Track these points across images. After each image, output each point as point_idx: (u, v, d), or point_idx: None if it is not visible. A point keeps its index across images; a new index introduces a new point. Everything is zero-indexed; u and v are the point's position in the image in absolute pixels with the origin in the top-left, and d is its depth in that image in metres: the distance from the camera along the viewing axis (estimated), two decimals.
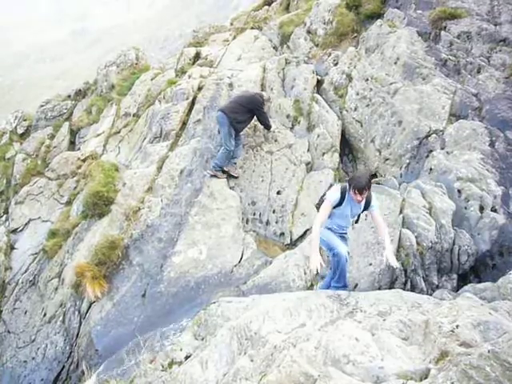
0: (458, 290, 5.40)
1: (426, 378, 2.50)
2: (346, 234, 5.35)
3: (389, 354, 2.85)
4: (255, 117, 8.40)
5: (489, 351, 2.28)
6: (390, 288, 5.52)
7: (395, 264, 4.69)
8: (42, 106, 13.52)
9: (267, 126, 8.53)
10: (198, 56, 12.55)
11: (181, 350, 4.55)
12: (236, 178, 8.31)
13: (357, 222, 5.72)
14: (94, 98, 13.04)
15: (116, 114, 11.68)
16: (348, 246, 5.33)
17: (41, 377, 7.33)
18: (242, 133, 8.40)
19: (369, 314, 3.94)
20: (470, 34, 8.23)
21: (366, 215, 5.93)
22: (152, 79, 11.84)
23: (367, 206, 5.01)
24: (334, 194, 4.95)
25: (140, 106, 11.24)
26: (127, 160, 10.08)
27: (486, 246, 5.70)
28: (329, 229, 5.16)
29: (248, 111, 8.18)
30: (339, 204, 4.94)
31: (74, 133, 12.33)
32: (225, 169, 8.29)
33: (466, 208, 6.02)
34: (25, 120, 13.85)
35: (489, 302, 3.55)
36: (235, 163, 8.39)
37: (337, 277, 5.18)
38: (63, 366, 7.27)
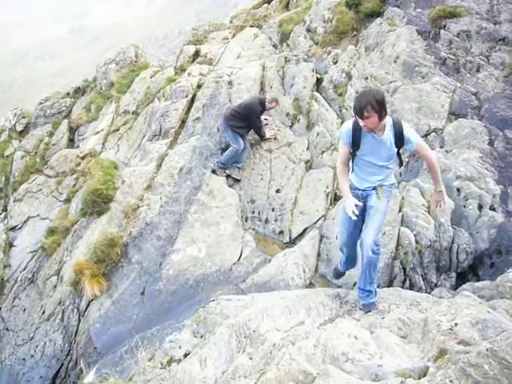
0: (456, 289, 5.41)
1: (424, 375, 2.51)
2: (377, 193, 4.16)
3: (387, 352, 2.86)
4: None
5: (487, 349, 2.28)
6: (388, 286, 5.53)
7: (447, 201, 4.33)
8: (41, 103, 13.49)
9: (259, 136, 8.44)
10: (197, 54, 12.53)
11: (180, 347, 4.56)
12: (238, 180, 8.27)
13: (401, 165, 4.45)
14: (93, 96, 13.01)
15: (115, 111, 11.66)
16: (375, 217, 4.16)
17: (39, 374, 7.33)
18: (247, 138, 8.38)
19: (367, 312, 3.95)
20: (469, 32, 8.24)
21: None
22: (151, 77, 11.82)
23: (401, 142, 3.89)
24: (343, 127, 4.08)
25: (139, 104, 11.22)
26: (126, 158, 10.07)
27: (484, 244, 5.71)
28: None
29: (244, 119, 8.13)
30: (356, 142, 3.94)
31: (73, 130, 12.30)
32: (227, 172, 8.27)
33: (464, 206, 6.03)
34: (24, 117, 13.82)
35: (487, 301, 3.56)
36: (238, 168, 8.33)
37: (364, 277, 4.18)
38: (62, 364, 7.27)
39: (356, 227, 4.25)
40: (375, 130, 3.82)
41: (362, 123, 3.75)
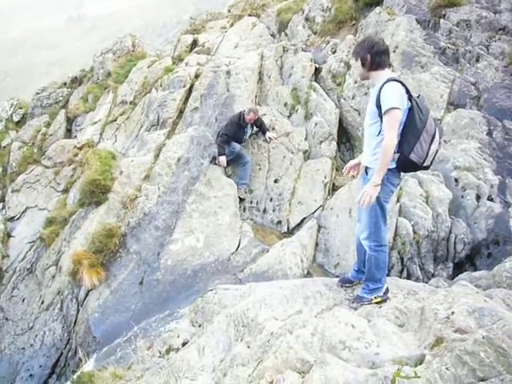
0: (453, 279, 5.43)
1: (421, 363, 2.53)
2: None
3: (384, 340, 2.88)
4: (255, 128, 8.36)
5: (483, 337, 2.30)
6: (386, 276, 5.55)
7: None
8: (38, 93, 13.42)
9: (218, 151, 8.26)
10: (195, 43, 12.46)
11: (178, 336, 4.58)
12: (242, 199, 8.07)
13: None
14: (91, 86, 12.94)
15: (113, 101, 11.60)
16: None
17: (39, 363, 7.37)
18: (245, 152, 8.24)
19: (353, 303, 3.97)
20: (469, 22, 8.18)
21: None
22: (149, 67, 11.75)
23: (378, 102, 3.54)
24: (396, 89, 3.47)
25: (137, 94, 11.16)
26: (124, 148, 10.04)
27: (482, 234, 5.72)
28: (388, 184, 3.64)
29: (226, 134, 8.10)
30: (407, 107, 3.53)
31: (70, 120, 12.24)
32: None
33: (462, 197, 6.04)
34: (20, 108, 13.75)
35: (484, 290, 3.58)
36: (244, 185, 8.11)
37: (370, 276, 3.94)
38: (61, 353, 7.31)
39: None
40: (366, 80, 3.77)
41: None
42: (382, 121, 3.54)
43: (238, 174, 8.26)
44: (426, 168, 3.70)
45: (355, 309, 3.82)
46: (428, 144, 3.52)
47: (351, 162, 4.33)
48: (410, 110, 3.52)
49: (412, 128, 3.50)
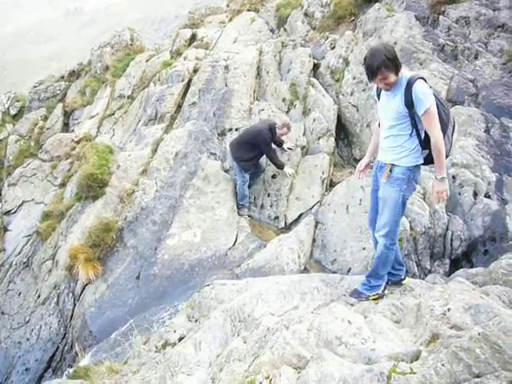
0: (450, 275, 5.44)
1: (416, 359, 2.53)
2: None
3: (381, 336, 2.88)
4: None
5: (479, 334, 2.30)
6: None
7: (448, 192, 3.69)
8: (35, 86, 13.38)
9: (276, 165, 7.57)
10: (193, 38, 12.42)
11: (174, 331, 4.58)
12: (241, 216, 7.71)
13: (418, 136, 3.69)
14: (88, 80, 12.90)
15: (110, 95, 11.57)
16: None
17: (35, 357, 7.36)
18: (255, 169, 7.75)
19: (350, 296, 3.98)
20: (468, 19, 8.17)
21: None
22: (147, 61, 11.72)
23: (410, 100, 3.47)
24: (427, 86, 3.47)
25: (135, 88, 11.13)
26: (122, 142, 10.02)
27: (478, 231, 5.73)
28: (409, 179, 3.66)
29: (252, 148, 7.40)
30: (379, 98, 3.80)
31: (67, 114, 12.23)
32: (246, 212, 7.76)
33: (459, 194, 6.04)
34: (18, 101, 13.71)
35: (480, 287, 3.59)
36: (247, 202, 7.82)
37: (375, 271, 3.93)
38: (57, 347, 7.30)
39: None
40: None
41: (379, 85, 3.57)
42: (411, 119, 3.51)
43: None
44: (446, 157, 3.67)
45: (352, 305, 3.82)
46: (451, 136, 3.60)
47: (361, 166, 4.29)
48: (437, 105, 3.47)
49: (440, 123, 3.46)
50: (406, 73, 3.55)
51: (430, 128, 3.43)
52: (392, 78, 3.47)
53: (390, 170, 3.70)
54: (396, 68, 3.45)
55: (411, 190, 3.75)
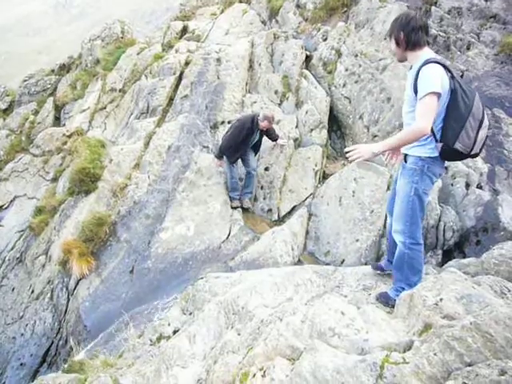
0: (442, 266, 5.48)
1: (409, 349, 2.55)
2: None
3: (374, 326, 2.90)
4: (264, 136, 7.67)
5: (471, 323, 2.32)
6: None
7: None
8: (25, 80, 13.22)
9: (216, 154, 7.75)
10: (185, 30, 12.34)
11: (169, 324, 4.59)
12: (247, 209, 7.68)
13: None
14: (79, 73, 12.76)
15: (101, 89, 11.46)
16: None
17: (30, 352, 7.35)
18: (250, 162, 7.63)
19: (355, 289, 3.99)
20: (460, 9, 8.17)
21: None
22: (138, 53, 11.61)
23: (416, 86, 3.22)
24: (436, 71, 3.12)
25: (126, 81, 11.04)
26: (114, 136, 9.96)
27: (470, 222, 5.78)
28: (430, 174, 3.38)
29: (231, 135, 7.37)
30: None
31: (58, 108, 12.10)
32: (238, 204, 7.65)
33: (452, 185, 6.07)
34: (8, 95, 13.55)
35: (472, 277, 3.61)
36: (249, 194, 7.73)
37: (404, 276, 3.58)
38: (52, 342, 7.29)
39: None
40: (404, 61, 3.40)
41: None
42: None
43: (242, 182, 7.80)
44: (475, 156, 3.35)
45: (345, 296, 3.84)
46: (475, 130, 3.16)
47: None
48: (453, 92, 3.16)
49: (456, 114, 3.16)
50: (427, 54, 3.25)
51: (418, 113, 3.11)
52: (393, 46, 3.37)
53: (405, 161, 3.50)
54: (406, 42, 3.26)
55: (427, 184, 3.40)
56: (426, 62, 3.15)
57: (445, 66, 3.19)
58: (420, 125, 3.07)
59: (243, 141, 7.31)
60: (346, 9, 9.99)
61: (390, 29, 3.36)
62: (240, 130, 7.26)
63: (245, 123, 7.27)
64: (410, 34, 3.23)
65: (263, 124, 7.30)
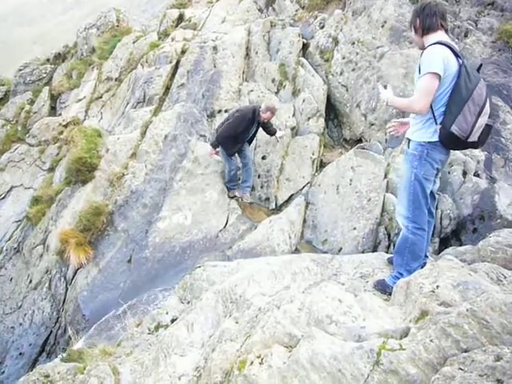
0: (439, 253, 5.50)
1: (406, 336, 2.57)
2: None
3: (371, 314, 2.91)
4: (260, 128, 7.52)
5: (467, 310, 2.33)
6: (373, 251, 5.61)
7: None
8: (20, 70, 13.13)
9: (212, 143, 7.53)
10: (181, 18, 12.24)
11: (167, 313, 4.60)
12: (250, 203, 7.60)
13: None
14: (75, 62, 12.68)
15: (97, 78, 11.40)
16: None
17: (29, 342, 7.38)
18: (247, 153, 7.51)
19: (352, 276, 4.00)
20: None
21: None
22: (134, 42, 11.53)
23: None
24: (438, 52, 3.15)
25: (122, 70, 10.97)
26: (110, 125, 9.91)
27: (467, 210, 5.79)
28: (428, 161, 3.40)
29: (234, 128, 7.16)
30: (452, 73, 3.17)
31: (54, 98, 12.04)
32: (236, 194, 7.62)
33: (449, 173, 6.07)
34: (3, 85, 13.49)
35: (469, 264, 3.62)
36: (248, 188, 7.63)
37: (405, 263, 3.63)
38: (51, 331, 7.32)
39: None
40: (423, 48, 3.35)
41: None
42: None
43: (240, 175, 7.68)
44: (475, 145, 3.30)
45: (343, 284, 3.85)
46: (475, 116, 3.10)
47: (401, 119, 4.07)
48: (459, 76, 3.14)
49: (456, 97, 3.13)
50: (438, 37, 3.27)
51: (416, 90, 3.22)
52: (412, 33, 3.45)
53: (408, 146, 3.55)
54: (421, 27, 3.31)
55: (427, 170, 3.40)
56: (429, 44, 3.19)
57: (452, 49, 3.17)
58: (414, 99, 3.22)
59: (242, 132, 7.19)
60: None
61: (410, 18, 3.46)
62: (241, 120, 7.10)
63: (246, 114, 7.10)
64: (424, 20, 3.29)
65: (265, 115, 7.15)
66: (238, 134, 7.17)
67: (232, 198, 7.58)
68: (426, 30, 3.30)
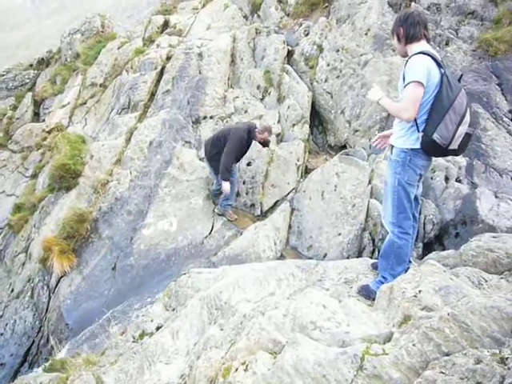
0: (423, 258, 5.56)
1: (389, 340, 2.59)
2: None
3: (354, 319, 2.93)
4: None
5: (448, 314, 2.37)
6: (358, 257, 5.64)
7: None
8: (3, 75, 13.00)
9: (221, 171, 6.85)
10: (166, 24, 12.24)
11: (152, 321, 4.57)
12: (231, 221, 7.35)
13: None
14: (59, 68, 12.59)
15: (82, 84, 11.32)
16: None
17: (10, 352, 7.25)
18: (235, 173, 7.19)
19: (337, 282, 4.03)
20: (439, 5, 8.25)
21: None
22: (119, 48, 11.49)
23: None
24: (422, 61, 3.22)
25: (107, 76, 10.92)
26: (94, 132, 9.84)
27: (450, 215, 5.86)
28: (413, 167, 3.46)
29: (220, 143, 6.90)
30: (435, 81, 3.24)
31: (37, 103, 11.93)
32: (216, 211, 7.39)
33: (432, 178, 6.15)
34: None
35: (451, 269, 3.68)
36: (229, 206, 7.36)
37: (390, 267, 3.68)
38: (33, 341, 7.20)
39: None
40: (405, 56, 3.46)
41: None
42: None
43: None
44: (456, 153, 3.37)
45: (327, 289, 3.87)
46: (455, 125, 3.17)
47: (383, 132, 4.17)
48: (441, 86, 3.21)
49: (437, 105, 3.21)
50: (421, 47, 3.33)
51: (403, 100, 3.26)
52: (395, 41, 3.51)
53: (391, 152, 3.61)
54: (405, 36, 3.38)
55: (410, 176, 3.47)
56: (416, 54, 3.25)
57: (435, 59, 3.25)
58: (404, 106, 3.25)
59: (242, 154, 7.14)
60: (327, 4, 10.01)
61: (392, 26, 3.50)
62: (238, 145, 6.84)
63: (242, 137, 6.86)
64: (408, 29, 3.36)
65: (263, 136, 6.96)
66: (238, 158, 7.07)
67: (221, 215, 7.38)
68: (409, 39, 3.38)
